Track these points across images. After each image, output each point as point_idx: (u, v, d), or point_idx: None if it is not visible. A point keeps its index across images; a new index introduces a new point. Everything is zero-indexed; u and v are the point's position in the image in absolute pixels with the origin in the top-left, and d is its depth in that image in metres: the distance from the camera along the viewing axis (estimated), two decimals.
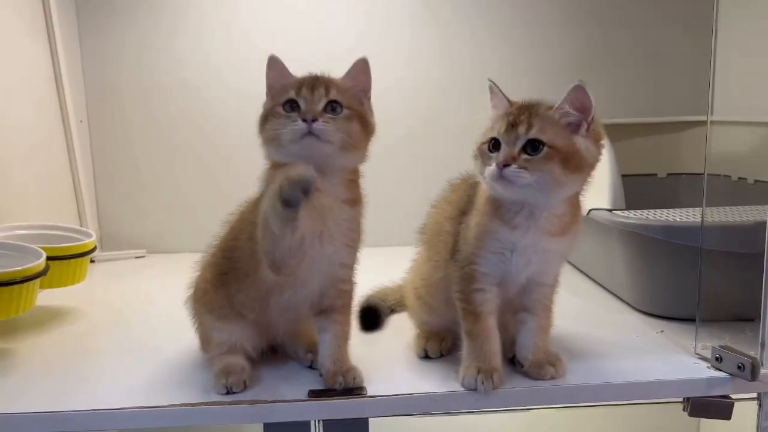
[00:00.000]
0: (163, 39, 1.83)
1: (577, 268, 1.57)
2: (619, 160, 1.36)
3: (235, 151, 1.86)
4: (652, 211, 1.28)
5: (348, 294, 1.02)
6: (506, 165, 0.88)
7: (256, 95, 1.79)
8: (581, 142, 0.91)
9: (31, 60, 1.61)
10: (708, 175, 1.11)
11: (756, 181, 1.61)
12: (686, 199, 1.79)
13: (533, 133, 0.89)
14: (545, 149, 0.88)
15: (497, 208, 0.95)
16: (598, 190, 1.33)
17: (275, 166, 0.95)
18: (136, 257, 1.87)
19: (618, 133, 1.43)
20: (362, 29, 1.86)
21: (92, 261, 1.72)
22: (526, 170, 0.88)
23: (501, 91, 0.97)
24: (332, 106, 0.92)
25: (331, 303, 1.00)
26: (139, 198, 1.90)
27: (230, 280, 1.01)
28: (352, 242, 0.98)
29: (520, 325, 1.00)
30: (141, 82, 1.85)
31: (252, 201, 1.02)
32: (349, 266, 1.00)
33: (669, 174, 1.85)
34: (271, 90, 0.98)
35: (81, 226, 1.71)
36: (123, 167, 1.89)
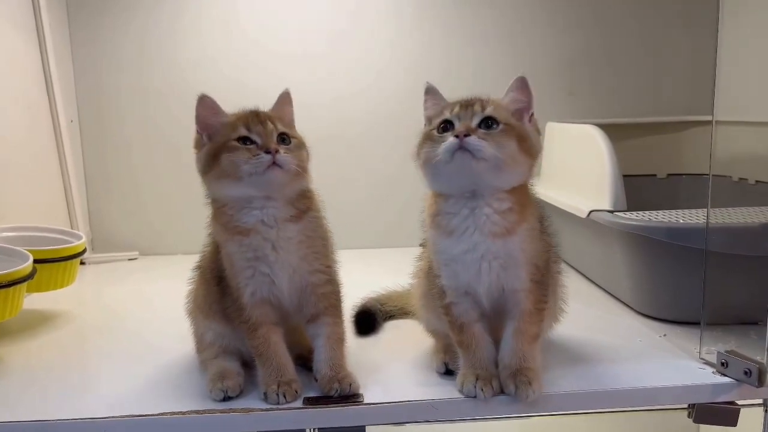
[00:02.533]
0: (155, 38, 1.81)
1: (578, 271, 1.55)
2: (618, 161, 1.33)
3: None
4: (653, 212, 1.26)
5: (332, 296, 1.01)
6: (466, 135, 0.88)
7: (252, 93, 1.78)
8: (528, 127, 0.94)
9: (21, 59, 1.58)
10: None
11: (757, 181, 1.59)
12: (686, 199, 1.78)
13: (489, 111, 0.91)
14: (502, 125, 0.90)
15: (435, 216, 0.94)
16: (599, 191, 1.31)
17: (219, 206, 0.98)
18: (129, 259, 1.84)
19: (617, 133, 1.41)
20: (354, 23, 1.85)
21: (83, 263, 1.70)
22: (487, 142, 0.88)
23: (439, 93, 0.99)
24: (282, 138, 0.97)
25: (315, 309, 0.99)
26: (132, 199, 1.87)
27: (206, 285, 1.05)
28: (315, 248, 0.99)
29: (503, 330, 0.96)
30: (132, 82, 1.82)
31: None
32: (321, 271, 1.00)
33: (669, 174, 1.84)
34: (208, 129, 0.99)
35: (71, 228, 1.68)
36: (115, 168, 1.86)
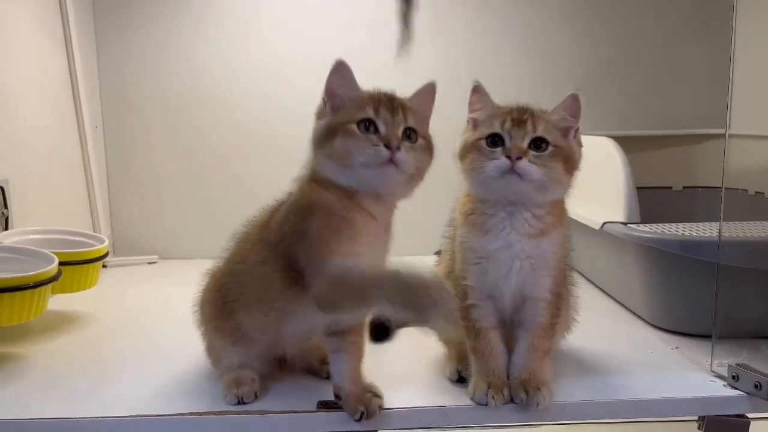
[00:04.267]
0: (178, 46, 1.85)
1: (591, 282, 1.55)
2: (633, 173, 1.34)
3: (249, 157, 1.87)
4: (667, 225, 1.27)
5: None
6: (518, 158, 0.89)
7: (272, 100, 1.83)
8: (573, 145, 0.95)
9: (49, 66, 1.63)
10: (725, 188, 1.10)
11: None
12: (701, 212, 1.78)
13: (540, 132, 0.91)
14: (551, 148, 0.91)
15: (469, 215, 0.96)
16: (613, 203, 1.32)
17: (318, 181, 0.90)
18: (148, 263, 1.87)
19: (632, 145, 1.42)
20: (373, 35, 1.85)
21: (104, 266, 1.73)
22: (536, 166, 0.89)
23: (487, 93, 0.97)
24: (408, 134, 0.88)
25: (346, 325, 0.95)
26: (152, 203, 1.91)
27: (238, 308, 0.96)
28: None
29: (516, 342, 0.97)
30: (156, 89, 1.86)
31: (261, 220, 0.98)
32: None
33: (684, 187, 1.84)
34: (335, 99, 0.90)
35: (94, 231, 1.72)
36: (136, 173, 1.90)
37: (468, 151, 0.95)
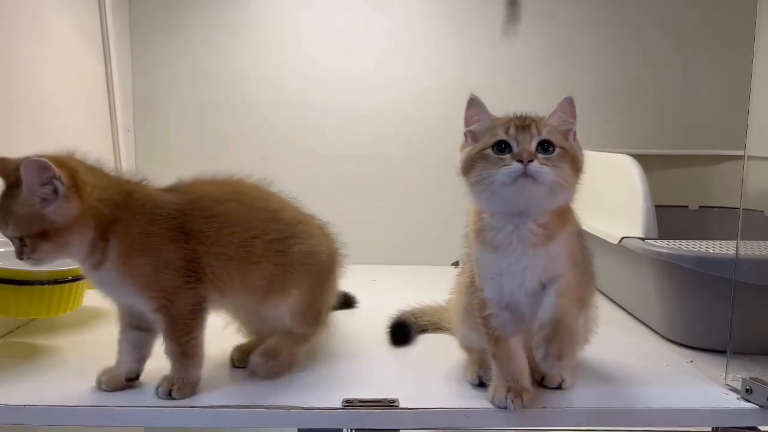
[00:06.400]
0: (212, 54, 1.90)
1: (607, 297, 1.58)
2: (650, 191, 1.37)
3: (279, 165, 1.90)
4: (684, 241, 1.29)
5: None
6: (530, 161, 0.88)
7: (303, 109, 1.87)
8: (576, 147, 0.95)
9: (86, 70, 1.68)
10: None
11: None
12: (717, 232, 1.79)
13: (545, 134, 0.91)
14: (558, 149, 0.91)
15: (479, 232, 0.96)
16: (631, 219, 1.35)
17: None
18: None
19: (650, 164, 1.44)
20: (406, 44, 1.92)
21: None
22: (548, 167, 0.89)
23: (484, 106, 0.96)
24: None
25: None
26: None
27: None
28: None
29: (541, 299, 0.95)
30: (188, 94, 1.91)
31: None
32: None
33: (700, 207, 1.85)
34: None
35: None
36: (165, 176, 1.93)
37: (472, 163, 0.93)
